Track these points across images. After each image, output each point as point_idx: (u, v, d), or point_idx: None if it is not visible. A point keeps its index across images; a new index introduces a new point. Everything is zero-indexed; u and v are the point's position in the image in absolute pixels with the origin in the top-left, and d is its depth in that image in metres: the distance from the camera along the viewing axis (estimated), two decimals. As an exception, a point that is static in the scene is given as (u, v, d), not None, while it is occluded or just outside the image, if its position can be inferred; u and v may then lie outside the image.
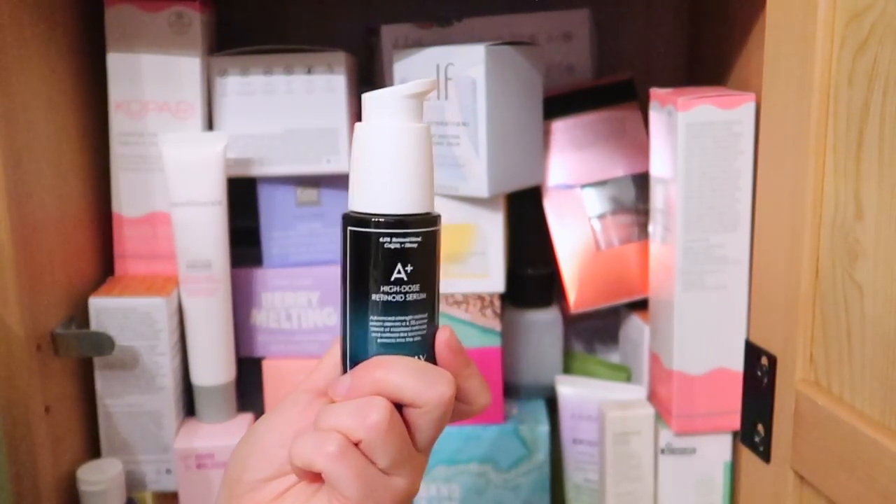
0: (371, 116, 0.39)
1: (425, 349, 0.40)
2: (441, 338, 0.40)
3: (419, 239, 0.38)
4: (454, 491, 0.68)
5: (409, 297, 0.39)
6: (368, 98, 0.39)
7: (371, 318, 0.39)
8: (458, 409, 0.42)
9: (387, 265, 0.38)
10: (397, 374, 0.38)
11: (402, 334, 0.39)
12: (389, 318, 0.39)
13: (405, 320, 0.39)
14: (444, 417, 0.39)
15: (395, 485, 0.38)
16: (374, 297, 0.39)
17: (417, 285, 0.39)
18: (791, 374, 0.49)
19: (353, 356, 0.40)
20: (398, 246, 0.38)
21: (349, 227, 0.39)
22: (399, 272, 0.38)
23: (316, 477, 0.38)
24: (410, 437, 0.39)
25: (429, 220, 0.39)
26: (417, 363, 0.39)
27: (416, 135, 0.39)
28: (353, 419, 0.37)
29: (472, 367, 0.41)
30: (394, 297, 0.39)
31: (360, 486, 0.37)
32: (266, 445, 0.41)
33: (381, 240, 0.38)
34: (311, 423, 0.39)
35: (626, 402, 0.66)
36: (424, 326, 0.39)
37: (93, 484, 0.58)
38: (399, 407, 0.38)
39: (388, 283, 0.38)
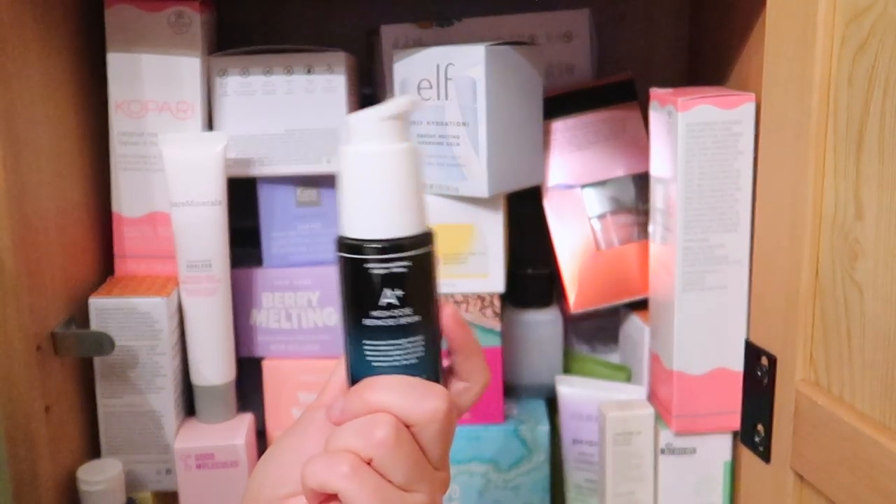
0: (352, 140, 0.39)
1: (423, 370, 0.39)
2: (448, 312, 0.40)
3: (408, 262, 0.38)
4: (454, 491, 0.68)
5: (402, 321, 0.38)
6: (350, 121, 0.39)
7: (364, 342, 0.39)
8: (460, 391, 0.42)
9: (375, 290, 0.38)
10: (386, 394, 0.38)
11: (396, 357, 0.39)
12: (382, 343, 0.39)
13: (399, 344, 0.39)
14: (445, 431, 0.38)
15: (414, 501, 0.38)
16: (365, 321, 0.38)
17: (410, 308, 0.38)
18: (791, 374, 0.49)
19: (353, 378, 0.40)
20: (385, 271, 0.38)
21: (338, 253, 0.39)
22: (387, 297, 0.38)
23: (329, 498, 0.38)
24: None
25: (417, 243, 0.38)
26: (407, 381, 0.39)
27: (394, 157, 0.38)
28: (360, 438, 0.37)
29: (478, 343, 0.42)
30: (384, 322, 0.38)
31: (376, 503, 0.36)
32: (284, 462, 0.41)
33: (365, 265, 0.38)
34: (323, 442, 0.39)
35: (626, 402, 0.66)
36: (421, 348, 0.39)
37: (93, 484, 0.58)
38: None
39: (377, 307, 0.38)
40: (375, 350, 0.39)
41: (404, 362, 0.39)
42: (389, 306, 0.38)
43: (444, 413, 0.38)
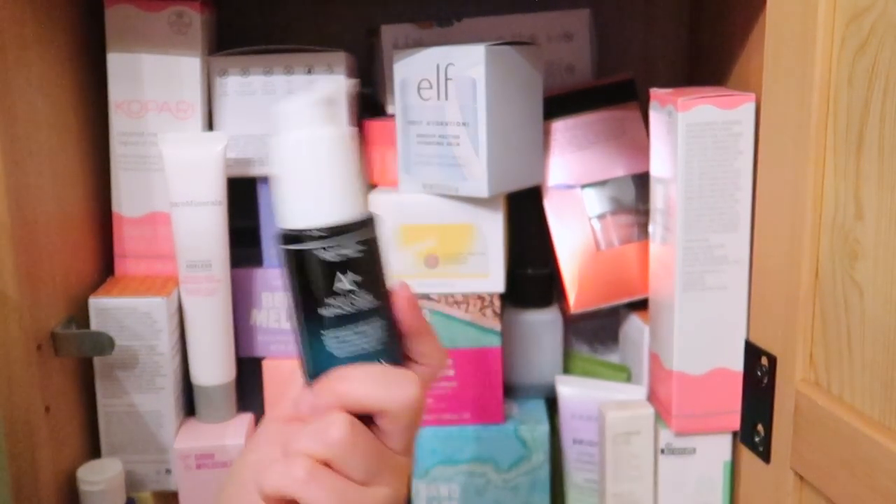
0: (284, 128, 0.38)
1: (386, 354, 0.39)
2: (402, 293, 0.39)
3: (361, 246, 0.37)
4: (454, 491, 0.68)
5: (361, 306, 0.38)
6: (280, 109, 0.38)
7: (323, 332, 0.38)
8: (419, 373, 0.40)
9: (327, 277, 0.37)
10: (358, 384, 0.37)
11: (357, 344, 0.38)
12: (341, 330, 0.38)
13: (361, 330, 0.38)
14: (416, 418, 0.38)
15: (376, 495, 0.37)
16: (322, 311, 0.38)
17: (364, 291, 0.38)
18: (791, 374, 0.49)
19: (314, 373, 0.39)
20: (335, 256, 0.37)
21: (282, 246, 0.38)
22: (340, 281, 0.37)
23: None
24: (385, 442, 0.38)
25: (365, 225, 0.38)
26: (378, 369, 0.38)
27: (329, 141, 0.37)
28: (314, 441, 0.36)
29: (429, 324, 0.41)
30: (341, 309, 0.37)
31: (337, 503, 0.36)
32: (247, 484, 0.40)
33: (314, 252, 0.37)
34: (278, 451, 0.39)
35: (626, 402, 0.66)
36: (381, 333, 0.38)
37: (93, 484, 0.58)
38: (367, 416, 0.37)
39: (332, 294, 0.37)
40: (337, 339, 0.38)
41: (369, 349, 0.38)
42: (346, 292, 0.37)
43: (416, 398, 0.37)
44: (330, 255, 0.37)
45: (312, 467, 0.36)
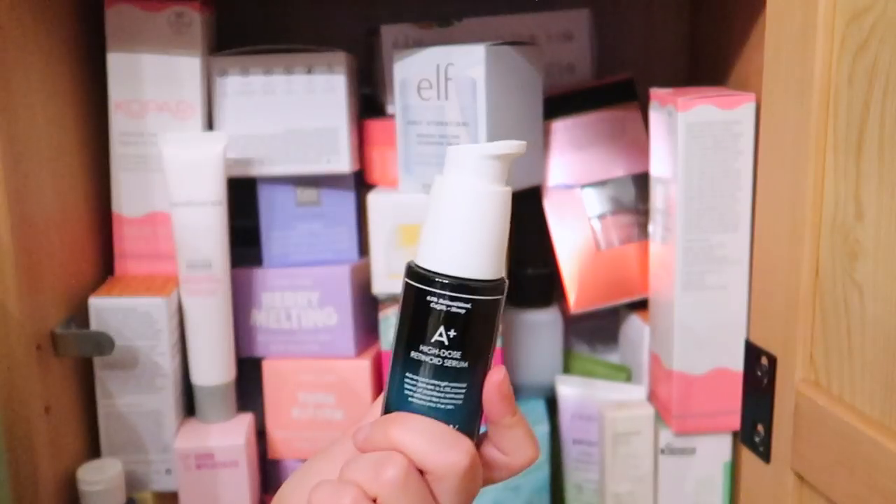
0: (451, 171, 0.37)
1: (457, 420, 0.38)
2: (493, 378, 0.38)
3: (468, 306, 0.37)
4: (454, 491, 0.68)
5: (448, 364, 0.37)
6: (451, 152, 0.38)
7: (407, 375, 0.38)
8: (499, 462, 0.40)
9: (430, 325, 0.37)
10: (410, 433, 0.37)
11: (433, 399, 0.37)
12: (423, 380, 0.37)
13: (439, 385, 0.37)
14: (462, 487, 0.37)
15: None
16: (413, 354, 0.37)
17: (459, 353, 0.37)
18: (791, 374, 0.49)
19: (387, 408, 0.39)
20: (445, 308, 0.37)
21: (405, 279, 0.38)
22: (441, 335, 0.37)
23: None
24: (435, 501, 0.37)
25: (485, 288, 0.37)
26: (436, 426, 0.37)
27: (488, 198, 0.37)
28: (369, 473, 0.36)
29: (518, 416, 0.39)
30: (431, 360, 0.37)
31: None
32: (305, 485, 0.39)
33: (427, 298, 0.37)
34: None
35: (626, 402, 0.66)
36: (461, 397, 0.38)
37: (93, 484, 0.58)
38: None
39: (428, 343, 0.37)
40: (414, 386, 0.38)
41: (440, 406, 0.38)
42: (440, 345, 0.37)
43: (464, 468, 0.36)
44: (440, 306, 0.37)
45: (358, 498, 0.36)
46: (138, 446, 0.63)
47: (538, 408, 0.70)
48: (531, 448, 0.40)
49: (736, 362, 0.59)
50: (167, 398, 0.63)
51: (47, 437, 0.57)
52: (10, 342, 0.54)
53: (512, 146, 0.37)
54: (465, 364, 0.37)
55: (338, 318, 0.66)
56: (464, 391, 0.38)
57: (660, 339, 0.64)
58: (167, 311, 0.62)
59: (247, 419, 0.65)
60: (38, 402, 0.56)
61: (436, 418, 0.37)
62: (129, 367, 0.62)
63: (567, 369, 0.74)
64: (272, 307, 0.67)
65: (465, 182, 0.37)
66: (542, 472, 0.68)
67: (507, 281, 0.38)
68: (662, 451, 0.64)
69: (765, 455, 0.52)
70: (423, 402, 0.38)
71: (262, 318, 0.67)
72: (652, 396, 0.66)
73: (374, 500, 0.36)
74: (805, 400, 0.48)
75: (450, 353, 0.37)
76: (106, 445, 0.63)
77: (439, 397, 0.37)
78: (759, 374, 0.52)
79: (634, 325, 0.70)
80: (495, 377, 0.38)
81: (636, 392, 0.67)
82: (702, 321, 0.60)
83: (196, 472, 0.63)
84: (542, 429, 0.67)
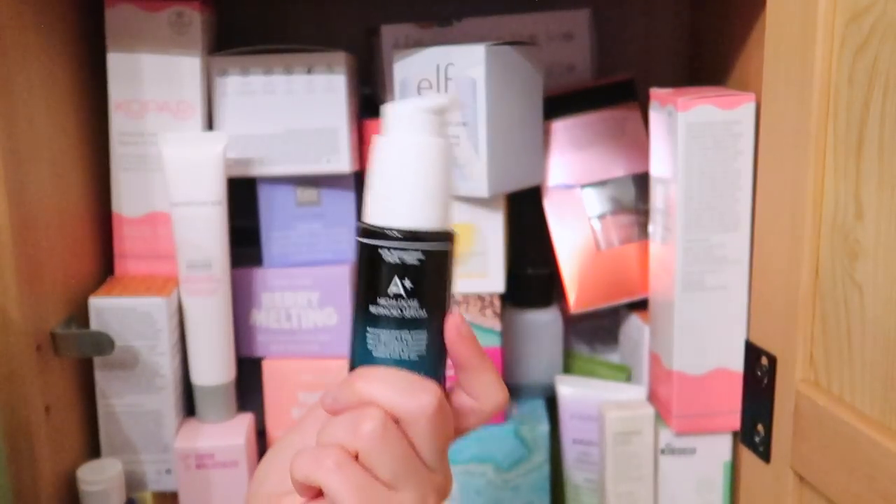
0: (388, 129, 0.39)
1: (422, 368, 0.39)
2: (451, 323, 0.39)
3: (420, 255, 0.38)
4: (454, 491, 0.68)
5: (407, 313, 0.38)
6: (388, 109, 0.39)
7: (368, 329, 0.38)
8: (470, 408, 0.40)
9: (385, 278, 0.38)
10: (377, 383, 0.37)
11: (396, 350, 0.38)
12: (384, 332, 0.38)
13: (400, 336, 0.38)
14: (435, 429, 0.37)
15: (400, 500, 0.37)
16: (372, 309, 0.38)
17: (417, 302, 0.38)
18: (791, 374, 0.49)
19: (353, 365, 0.40)
20: (397, 260, 0.38)
21: (357, 239, 0.39)
22: (396, 286, 0.38)
23: (318, 493, 0.37)
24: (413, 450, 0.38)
25: (435, 237, 0.38)
26: (398, 374, 0.38)
27: (425, 148, 0.38)
28: (347, 430, 0.36)
29: (485, 359, 0.40)
30: (390, 311, 0.38)
31: (360, 499, 0.36)
32: (284, 460, 0.40)
33: (380, 251, 0.38)
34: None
35: (626, 402, 0.66)
36: (423, 346, 0.39)
37: (93, 484, 0.58)
38: None
39: (385, 295, 0.38)
40: (377, 339, 0.38)
41: (403, 357, 0.38)
42: (396, 296, 0.38)
43: (433, 409, 0.37)
44: (393, 258, 0.38)
45: (342, 458, 0.36)
46: (138, 446, 0.63)
47: (538, 408, 0.70)
48: (500, 391, 0.41)
49: (736, 362, 0.59)
50: (167, 398, 0.63)
51: (47, 437, 0.57)
52: (10, 342, 0.54)
53: (444, 98, 0.38)
54: (423, 313, 0.38)
55: (338, 318, 0.66)
56: (425, 339, 0.39)
57: (660, 339, 0.64)
58: (167, 311, 0.62)
59: (247, 419, 0.65)
60: (38, 402, 0.56)
61: (399, 368, 0.38)
62: (128, 367, 0.62)
63: (567, 369, 0.74)
64: (272, 307, 0.67)
65: (404, 136, 0.38)
66: (542, 472, 0.68)
67: (455, 233, 0.39)
68: (662, 451, 0.64)
69: (765, 455, 0.52)
70: (387, 355, 0.38)
71: (262, 318, 0.67)
72: (652, 396, 0.66)
73: (356, 457, 0.36)
74: (805, 400, 0.48)
75: (408, 303, 0.38)
76: (106, 445, 0.63)
77: (401, 348, 0.38)
78: (759, 374, 0.52)
79: (634, 325, 0.70)
80: (452, 320, 0.39)
81: (636, 392, 0.67)
82: (702, 321, 0.60)
83: (196, 471, 0.63)
84: (542, 429, 0.68)
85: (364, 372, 0.38)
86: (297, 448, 0.39)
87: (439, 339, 0.39)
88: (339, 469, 0.36)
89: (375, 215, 0.38)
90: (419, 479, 0.37)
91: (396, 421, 0.37)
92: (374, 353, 0.38)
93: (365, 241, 0.38)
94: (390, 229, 0.38)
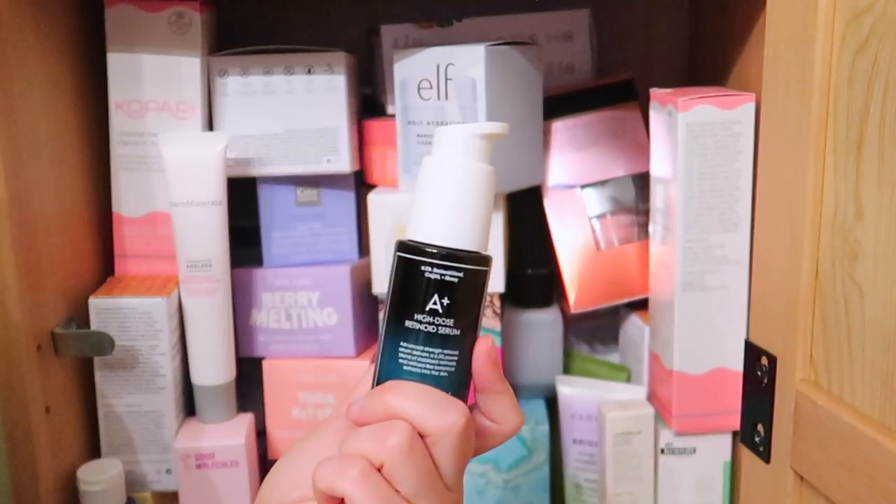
0: (439, 149, 0.40)
1: (450, 386, 0.39)
2: (481, 346, 0.40)
3: (460, 274, 0.38)
4: (454, 491, 0.68)
5: (442, 331, 0.39)
6: (440, 132, 0.40)
7: (401, 344, 0.39)
8: (489, 430, 0.41)
9: (424, 294, 0.38)
10: (406, 399, 0.37)
11: (428, 366, 0.39)
12: (418, 348, 0.39)
13: (433, 352, 0.39)
14: (459, 448, 0.37)
15: None
16: (408, 323, 0.39)
17: (452, 320, 0.39)
18: (791, 374, 0.49)
19: (381, 378, 0.40)
20: (438, 277, 0.38)
21: (397, 253, 0.39)
22: (435, 303, 0.38)
23: (339, 503, 0.37)
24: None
25: (475, 259, 0.39)
26: (430, 391, 0.38)
27: (475, 173, 0.39)
28: (373, 442, 0.36)
29: (506, 384, 0.41)
30: (426, 328, 0.39)
31: None
32: (298, 467, 0.40)
33: (422, 268, 0.38)
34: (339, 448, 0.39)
35: (626, 402, 0.66)
36: (454, 364, 0.39)
37: (93, 484, 0.58)
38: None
39: (423, 311, 0.38)
40: (410, 354, 0.39)
41: (434, 373, 0.39)
42: (433, 312, 0.38)
43: (460, 428, 0.37)
44: (433, 274, 0.38)
45: (366, 469, 0.36)
46: (138, 446, 0.63)
47: (538, 408, 0.70)
48: (518, 416, 0.42)
49: (736, 362, 0.59)
50: (167, 398, 0.63)
51: (47, 437, 0.57)
52: (10, 342, 0.54)
53: (496, 126, 0.40)
54: (457, 332, 0.39)
55: (338, 318, 0.66)
56: (455, 358, 0.39)
57: (660, 339, 0.64)
58: (167, 311, 0.62)
59: (247, 419, 0.65)
60: (38, 402, 0.56)
61: (430, 385, 0.39)
62: (129, 367, 0.62)
63: (567, 369, 0.74)
64: (272, 307, 0.67)
65: (454, 159, 0.39)
66: (542, 472, 0.68)
67: (491, 257, 0.40)
68: (662, 451, 0.64)
69: (765, 455, 0.52)
70: (417, 370, 0.39)
71: (263, 317, 0.67)
72: (652, 396, 0.66)
73: (380, 469, 0.36)
74: (805, 400, 0.48)
75: (443, 321, 0.39)
76: (106, 445, 0.63)
77: (433, 364, 0.39)
78: (759, 374, 0.52)
79: (634, 325, 0.70)
80: (484, 345, 0.40)
81: (636, 392, 0.67)
82: (702, 321, 0.60)
83: (196, 471, 0.63)
84: (542, 429, 0.68)
85: (394, 385, 0.38)
86: (312, 456, 0.39)
87: (468, 359, 0.40)
88: (364, 480, 0.36)
89: (419, 232, 0.39)
90: (438, 497, 0.37)
91: (422, 437, 0.37)
92: (405, 367, 0.39)
93: (407, 256, 0.39)
94: (434, 247, 0.38)
